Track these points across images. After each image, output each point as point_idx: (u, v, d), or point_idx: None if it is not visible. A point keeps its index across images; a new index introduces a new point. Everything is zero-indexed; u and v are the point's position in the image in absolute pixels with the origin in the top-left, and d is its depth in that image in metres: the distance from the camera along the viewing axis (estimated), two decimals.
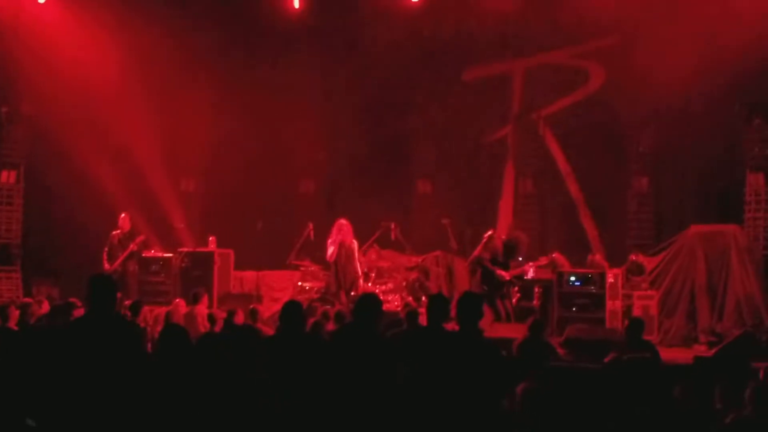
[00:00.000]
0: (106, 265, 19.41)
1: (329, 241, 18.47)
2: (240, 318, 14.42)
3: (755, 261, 19.24)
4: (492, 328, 15.87)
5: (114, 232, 19.80)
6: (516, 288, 18.93)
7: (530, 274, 19.01)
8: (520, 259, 18.01)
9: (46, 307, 14.21)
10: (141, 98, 20.91)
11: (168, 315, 15.39)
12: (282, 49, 22.09)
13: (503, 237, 18.06)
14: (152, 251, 20.57)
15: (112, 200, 20.82)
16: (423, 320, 11.50)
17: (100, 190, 21.05)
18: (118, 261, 19.51)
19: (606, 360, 13.19)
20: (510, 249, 17.82)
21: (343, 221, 18.50)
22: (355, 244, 18.57)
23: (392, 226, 19.55)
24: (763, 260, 19.41)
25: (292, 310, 9.21)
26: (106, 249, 19.71)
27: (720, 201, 20.39)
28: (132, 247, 19.71)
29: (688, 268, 19.52)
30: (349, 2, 21.89)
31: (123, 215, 19.91)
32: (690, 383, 8.76)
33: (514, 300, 18.50)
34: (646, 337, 15.46)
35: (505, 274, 17.53)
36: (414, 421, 7.72)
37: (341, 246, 18.32)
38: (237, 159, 22.32)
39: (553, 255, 19.68)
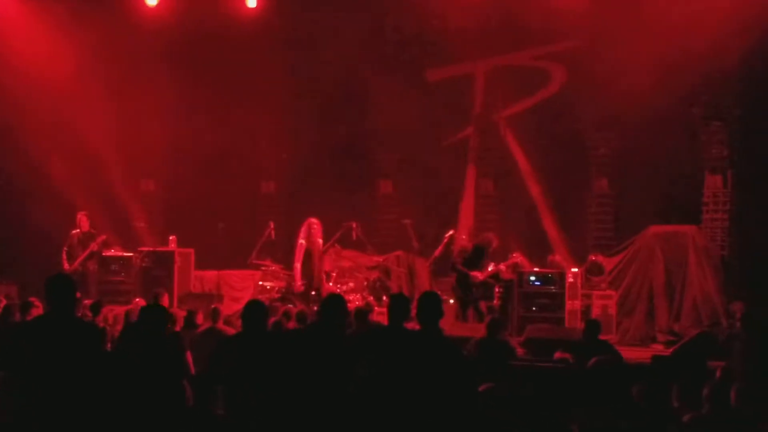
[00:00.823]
0: (66, 265, 19.31)
1: (300, 240, 18.41)
2: (200, 318, 14.41)
3: (713, 261, 19.39)
4: (452, 327, 15.95)
5: (73, 232, 19.71)
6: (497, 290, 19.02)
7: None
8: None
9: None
10: (100, 97, 20.81)
11: (127, 314, 15.31)
12: (243, 48, 22.02)
13: (465, 237, 18.13)
14: (113, 251, 20.46)
15: (72, 199, 20.68)
16: (384, 320, 11.55)
17: (58, 188, 20.93)
18: (78, 261, 19.43)
19: (556, 357, 13.35)
20: (481, 250, 17.95)
21: (313, 220, 18.45)
22: (320, 243, 18.57)
23: (353, 225, 19.53)
24: (720, 261, 19.58)
25: (254, 310, 9.21)
26: (66, 249, 19.61)
27: (679, 202, 20.52)
28: (93, 246, 19.62)
29: (646, 269, 19.68)
30: (310, 2, 21.90)
31: (81, 214, 19.80)
32: (648, 382, 8.85)
33: (495, 302, 18.58)
34: (605, 337, 15.65)
35: (480, 275, 17.66)
36: (376, 421, 7.75)
37: (313, 245, 18.31)
38: (198, 159, 22.24)
39: (514, 255, 19.79)
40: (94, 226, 19.97)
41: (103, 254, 20.06)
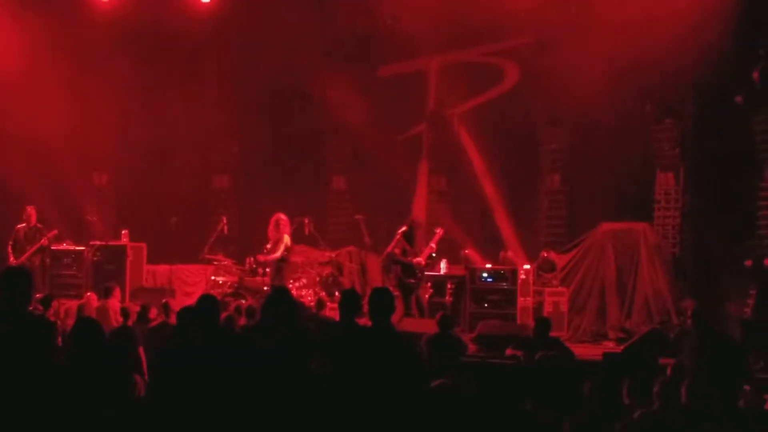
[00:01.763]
0: (12, 259, 19.10)
1: (272, 236, 18.18)
2: (153, 312, 14.36)
3: (664, 259, 19.53)
4: (402, 323, 15.95)
5: (19, 226, 19.45)
6: (429, 284, 19.04)
7: (444, 270, 19.23)
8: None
9: None
10: (52, 89, 20.67)
11: (80, 308, 15.21)
12: (196, 42, 21.97)
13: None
14: (64, 244, 20.28)
15: (21, 192, 20.48)
16: (336, 315, 11.53)
17: (5, 181, 20.78)
18: (26, 255, 19.19)
19: (507, 353, 13.41)
20: (410, 236, 17.92)
21: (281, 215, 18.29)
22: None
23: (306, 221, 19.49)
24: (671, 258, 19.71)
25: (207, 305, 9.14)
26: (11, 243, 19.38)
27: (631, 199, 20.63)
28: (43, 241, 19.42)
29: (598, 266, 19.80)
30: None
31: (29, 208, 19.59)
32: (599, 379, 8.87)
33: (426, 295, 18.60)
34: (557, 334, 15.72)
35: (421, 260, 17.65)
36: (329, 416, 7.73)
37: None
38: (151, 153, 22.18)
39: (466, 251, 19.85)
40: (42, 221, 19.76)
41: (53, 248, 19.88)
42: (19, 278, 7.61)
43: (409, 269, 17.69)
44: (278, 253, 17.82)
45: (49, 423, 7.12)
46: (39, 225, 19.53)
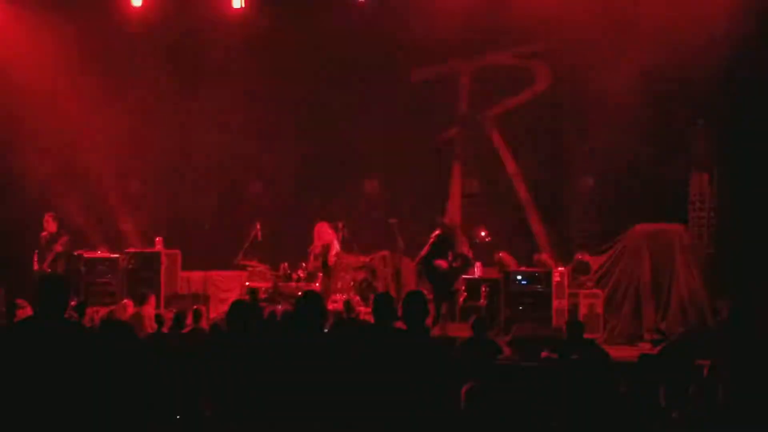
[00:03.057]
0: (36, 267, 19.13)
1: (318, 246, 18.23)
2: (189, 319, 14.39)
3: (699, 260, 19.41)
4: (437, 327, 15.95)
5: (42, 234, 19.51)
6: (463, 288, 19.03)
7: (477, 272, 19.22)
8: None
9: None
10: (86, 97, 20.74)
11: (110, 314, 15.24)
12: (229, 48, 22.02)
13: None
14: (98, 252, 20.38)
15: (52, 201, 20.54)
16: (371, 320, 11.52)
17: (38, 190, 20.87)
18: (46, 263, 19.18)
19: (543, 356, 13.36)
20: (444, 240, 17.89)
21: (324, 224, 18.35)
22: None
23: (340, 225, 19.52)
24: (706, 259, 19.60)
25: (239, 310, 9.16)
26: (37, 251, 19.40)
27: (665, 200, 20.54)
28: (57, 248, 19.40)
29: (633, 267, 19.67)
30: (296, 2, 21.90)
31: (48, 216, 19.57)
32: (635, 381, 8.84)
33: (461, 299, 18.59)
34: (592, 335, 15.66)
35: (443, 263, 17.61)
36: (359, 420, 7.72)
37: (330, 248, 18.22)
38: (184, 159, 22.24)
39: (500, 254, 19.80)
40: (69, 228, 19.72)
41: (88, 255, 19.97)
42: (55, 285, 7.63)
43: (432, 274, 17.71)
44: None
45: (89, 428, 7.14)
46: (61, 231, 19.51)
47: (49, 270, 18.91)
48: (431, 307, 15.92)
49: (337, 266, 18.07)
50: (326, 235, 18.15)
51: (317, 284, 18.56)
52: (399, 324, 8.78)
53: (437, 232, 17.88)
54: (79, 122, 20.94)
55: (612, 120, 20.48)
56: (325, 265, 18.39)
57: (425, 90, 22.61)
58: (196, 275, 21.15)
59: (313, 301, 8.63)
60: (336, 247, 18.50)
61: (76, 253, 19.89)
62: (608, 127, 20.91)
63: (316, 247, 18.16)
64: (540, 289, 18.71)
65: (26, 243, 19.82)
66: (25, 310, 12.55)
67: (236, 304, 9.32)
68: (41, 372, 7.16)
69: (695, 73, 19.26)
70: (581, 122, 21.54)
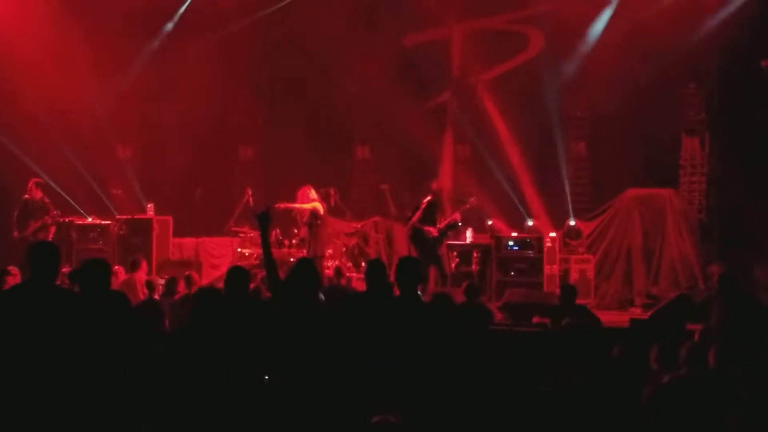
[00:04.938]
0: (16, 232, 18.93)
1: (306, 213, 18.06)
2: (181, 285, 14.39)
3: (690, 224, 19.47)
4: (427, 293, 15.97)
5: (25, 197, 19.25)
6: (455, 253, 19.06)
7: (469, 239, 19.23)
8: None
9: None
10: (74, 65, 20.64)
11: None
12: (219, 16, 21.95)
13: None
14: (90, 218, 20.35)
15: (44, 166, 20.45)
16: (362, 285, 11.55)
17: (29, 157, 20.74)
18: (30, 230, 18.97)
19: (534, 321, 13.40)
20: (433, 206, 17.89)
21: (304, 187, 18.17)
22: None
23: (332, 191, 19.48)
24: (697, 223, 19.64)
25: (237, 276, 9.19)
26: (16, 213, 18.97)
27: (656, 165, 20.57)
28: (46, 219, 19.24)
29: (624, 232, 19.73)
30: None
31: (32, 182, 19.34)
32: (627, 345, 8.86)
33: (453, 265, 18.62)
34: (583, 301, 15.69)
35: (433, 230, 17.60)
36: (357, 385, 7.75)
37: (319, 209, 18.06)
38: (174, 126, 22.14)
39: (492, 220, 19.83)
40: (46, 195, 19.51)
41: (79, 222, 19.93)
42: (46, 252, 7.63)
43: (420, 238, 17.69)
44: (305, 210, 17.70)
45: (80, 395, 7.16)
46: (46, 200, 19.32)
47: (33, 238, 18.67)
48: None
49: (314, 228, 17.83)
50: (304, 199, 17.97)
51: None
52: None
53: (428, 198, 17.85)
54: (69, 89, 20.77)
55: (603, 85, 20.48)
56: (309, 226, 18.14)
57: (418, 54, 22.52)
58: (188, 242, 21.15)
59: (307, 268, 8.66)
60: (311, 209, 18.09)
61: (67, 220, 19.83)
62: (599, 92, 20.92)
63: (304, 214, 18.01)
64: (531, 255, 18.80)
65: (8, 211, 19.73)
66: (15, 278, 12.53)
67: (234, 270, 9.35)
68: (33, 338, 7.17)
69: (686, 37, 19.25)
70: (573, 87, 21.50)
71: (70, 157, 20.99)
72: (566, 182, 21.48)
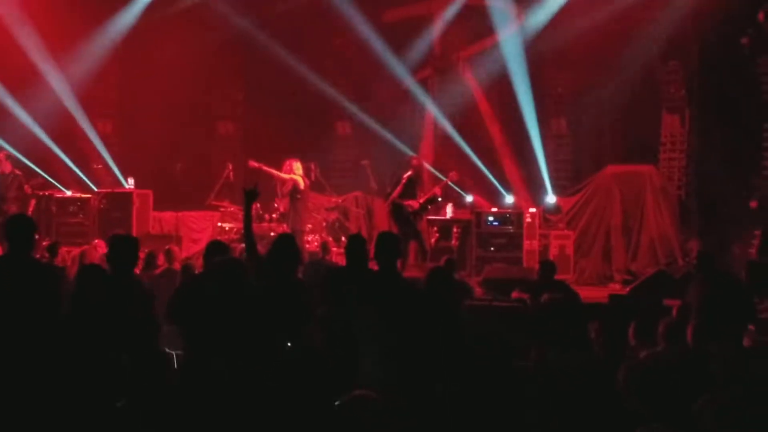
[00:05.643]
0: None
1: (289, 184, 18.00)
2: (160, 259, 14.39)
3: (670, 201, 19.54)
4: (406, 268, 16.00)
5: None
6: (435, 228, 19.09)
7: (449, 214, 19.26)
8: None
9: None
10: (52, 38, 20.48)
11: (82, 255, 15.17)
12: None
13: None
14: (70, 192, 20.31)
15: (20, 141, 20.36)
16: (342, 260, 11.57)
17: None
18: (6, 203, 18.85)
19: (513, 296, 13.45)
20: (413, 181, 17.86)
21: (294, 159, 18.13)
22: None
23: (312, 166, 19.46)
24: (677, 200, 19.72)
25: (217, 250, 9.20)
26: None
27: (636, 142, 20.63)
28: (26, 189, 19.17)
29: (604, 208, 19.79)
30: None
31: (1, 155, 19.42)
32: (605, 321, 8.92)
33: (433, 240, 18.64)
34: (562, 276, 15.75)
35: (413, 203, 17.56)
36: (341, 361, 7.77)
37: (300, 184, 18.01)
38: (155, 101, 22.05)
39: (472, 195, 19.86)
40: (17, 168, 19.39)
41: (59, 196, 19.90)
42: (22, 225, 7.64)
43: (399, 213, 17.67)
44: (286, 180, 17.73)
45: (56, 370, 7.16)
46: (17, 171, 19.25)
47: (9, 210, 18.51)
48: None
49: (295, 201, 17.81)
50: (287, 171, 17.95)
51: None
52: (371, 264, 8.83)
53: (408, 173, 17.83)
54: (51, 61, 20.67)
55: (584, 61, 20.51)
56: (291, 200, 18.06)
57: (399, 30, 22.44)
58: (168, 216, 21.12)
59: (287, 244, 8.68)
60: (292, 180, 18.04)
61: (47, 194, 19.80)
62: (580, 69, 20.94)
63: (286, 185, 17.97)
64: (511, 230, 18.87)
65: None
66: None
67: (214, 244, 9.37)
68: (8, 309, 7.18)
69: (667, 14, 19.27)
70: (553, 63, 21.52)
71: (49, 130, 20.85)
72: (547, 158, 21.45)
